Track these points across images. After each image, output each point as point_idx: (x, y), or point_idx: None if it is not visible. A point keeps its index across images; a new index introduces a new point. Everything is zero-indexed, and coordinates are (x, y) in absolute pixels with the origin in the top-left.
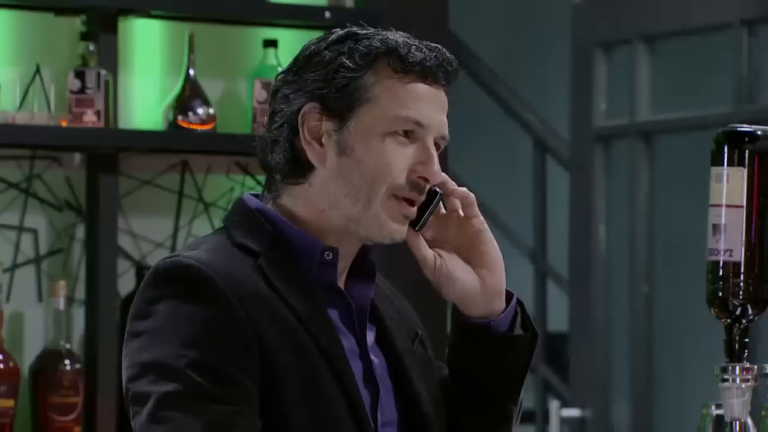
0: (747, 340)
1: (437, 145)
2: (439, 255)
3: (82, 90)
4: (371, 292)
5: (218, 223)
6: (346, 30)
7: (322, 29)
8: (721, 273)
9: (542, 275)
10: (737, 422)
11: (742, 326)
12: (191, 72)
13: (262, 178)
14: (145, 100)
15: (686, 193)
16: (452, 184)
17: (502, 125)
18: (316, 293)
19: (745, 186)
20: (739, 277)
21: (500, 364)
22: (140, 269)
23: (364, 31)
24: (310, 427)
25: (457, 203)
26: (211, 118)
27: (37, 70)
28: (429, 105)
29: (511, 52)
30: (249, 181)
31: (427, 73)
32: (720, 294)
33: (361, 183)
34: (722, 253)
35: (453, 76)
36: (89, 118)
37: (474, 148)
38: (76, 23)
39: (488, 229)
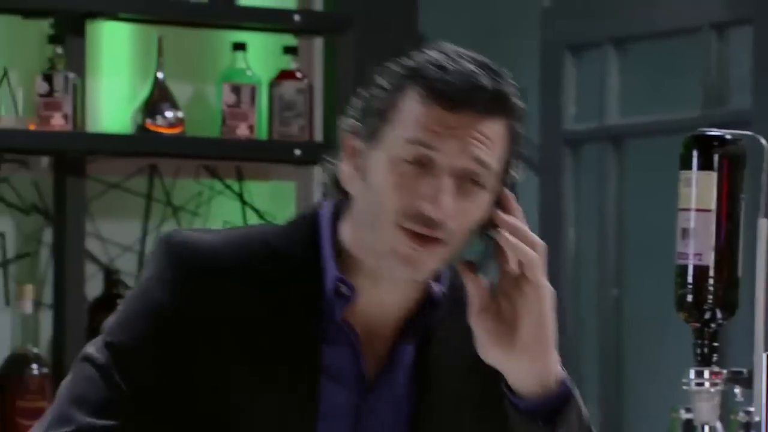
0: (716, 344)
1: (475, 181)
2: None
3: (50, 93)
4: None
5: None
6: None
7: (291, 32)
8: (690, 277)
9: None
10: (706, 426)
11: (711, 330)
12: (160, 75)
13: (231, 181)
14: (113, 103)
15: (655, 196)
16: (508, 235)
17: None
18: (315, 317)
19: (715, 190)
20: (708, 282)
21: None
22: (108, 273)
23: (425, 50)
24: None
25: (511, 256)
26: (179, 122)
27: (5, 73)
28: (448, 135)
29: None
30: (217, 185)
31: (451, 101)
32: (689, 298)
33: (371, 209)
34: (691, 257)
35: (494, 104)
36: (57, 121)
37: None
38: (44, 26)
39: (544, 301)
